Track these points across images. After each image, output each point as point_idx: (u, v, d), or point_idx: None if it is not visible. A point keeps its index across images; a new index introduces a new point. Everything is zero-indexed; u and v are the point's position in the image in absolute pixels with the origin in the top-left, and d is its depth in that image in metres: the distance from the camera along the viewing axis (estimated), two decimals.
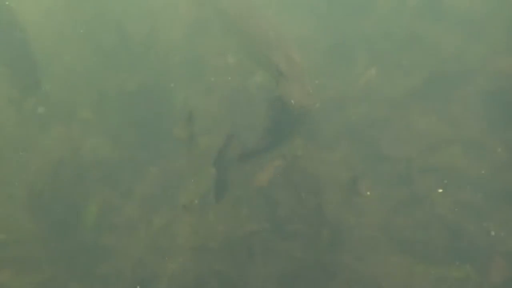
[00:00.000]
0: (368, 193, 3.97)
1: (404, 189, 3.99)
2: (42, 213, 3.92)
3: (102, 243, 3.87)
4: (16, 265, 3.64)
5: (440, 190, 3.95)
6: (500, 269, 3.56)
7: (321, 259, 3.63)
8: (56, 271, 3.68)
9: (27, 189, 3.97)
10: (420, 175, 4.05)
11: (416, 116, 4.49)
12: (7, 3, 4.77)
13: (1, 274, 3.57)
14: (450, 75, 4.72)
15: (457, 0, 5.36)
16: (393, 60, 4.93)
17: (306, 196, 3.88)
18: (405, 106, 4.56)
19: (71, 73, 4.78)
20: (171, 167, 4.10)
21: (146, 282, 3.66)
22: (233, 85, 4.51)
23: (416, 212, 3.88)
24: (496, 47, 4.83)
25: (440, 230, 3.77)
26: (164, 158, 4.18)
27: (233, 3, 4.53)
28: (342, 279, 3.54)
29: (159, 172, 4.10)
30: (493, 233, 3.71)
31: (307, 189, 3.92)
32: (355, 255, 3.67)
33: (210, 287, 3.50)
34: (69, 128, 4.30)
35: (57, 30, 5.13)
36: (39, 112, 4.35)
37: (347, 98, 4.60)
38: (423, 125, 4.42)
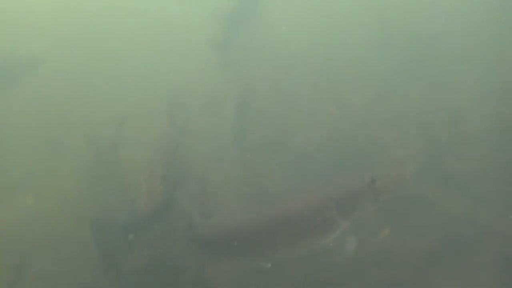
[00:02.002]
0: None
1: None
2: None
3: None
4: None
5: None
6: None
7: None
8: None
9: None
10: None
11: (438, 281, 4.26)
12: None
13: None
14: (465, 238, 4.64)
15: (456, 164, 5.66)
16: (405, 222, 4.88)
17: None
18: (424, 271, 4.35)
19: None
20: None
21: None
22: None
23: None
24: (503, 210, 4.89)
25: None
26: None
27: None
28: None
29: None
30: None
31: None
32: None
33: None
34: None
35: None
36: None
37: (365, 261, 4.39)
38: None
